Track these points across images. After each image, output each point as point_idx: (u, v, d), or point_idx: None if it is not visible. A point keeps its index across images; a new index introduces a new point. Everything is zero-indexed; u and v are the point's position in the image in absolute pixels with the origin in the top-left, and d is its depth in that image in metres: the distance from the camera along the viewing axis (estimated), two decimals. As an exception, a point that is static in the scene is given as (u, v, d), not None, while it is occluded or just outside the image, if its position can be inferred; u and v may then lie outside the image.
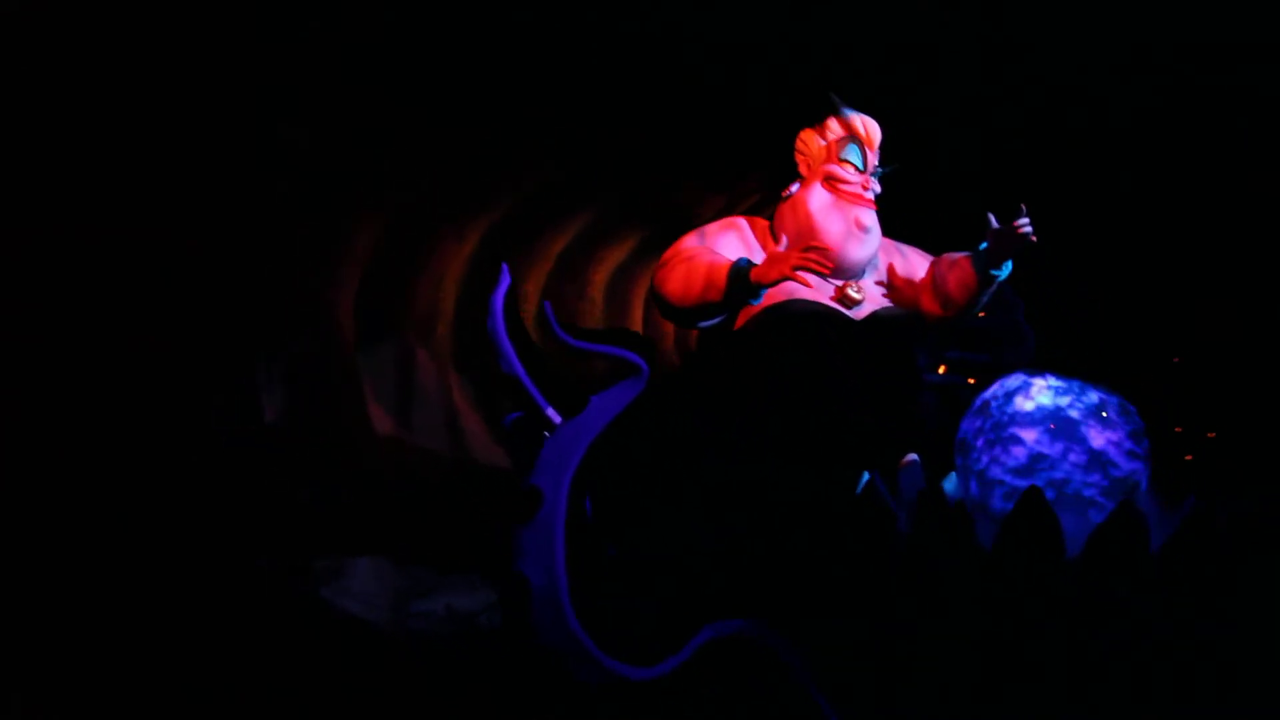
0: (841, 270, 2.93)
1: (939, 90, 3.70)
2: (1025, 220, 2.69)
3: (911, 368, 2.92)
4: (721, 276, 2.78)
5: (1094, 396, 2.45)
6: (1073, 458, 2.38)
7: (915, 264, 3.11)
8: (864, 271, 3.00)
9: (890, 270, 3.06)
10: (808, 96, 3.05)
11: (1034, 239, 2.70)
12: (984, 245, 2.79)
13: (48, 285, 2.81)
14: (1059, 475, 2.36)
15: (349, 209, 3.63)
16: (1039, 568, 2.19)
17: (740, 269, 2.76)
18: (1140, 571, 2.18)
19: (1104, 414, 2.42)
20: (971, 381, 3.02)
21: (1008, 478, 2.40)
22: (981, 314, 2.99)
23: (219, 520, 2.94)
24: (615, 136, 3.97)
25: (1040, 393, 2.48)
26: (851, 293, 2.93)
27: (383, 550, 3.17)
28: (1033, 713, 2.19)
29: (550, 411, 2.58)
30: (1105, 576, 2.18)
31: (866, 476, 2.36)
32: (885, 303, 3.01)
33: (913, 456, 2.61)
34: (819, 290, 2.92)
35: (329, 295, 3.63)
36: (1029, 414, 2.44)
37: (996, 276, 2.82)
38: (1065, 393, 2.46)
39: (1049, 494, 2.29)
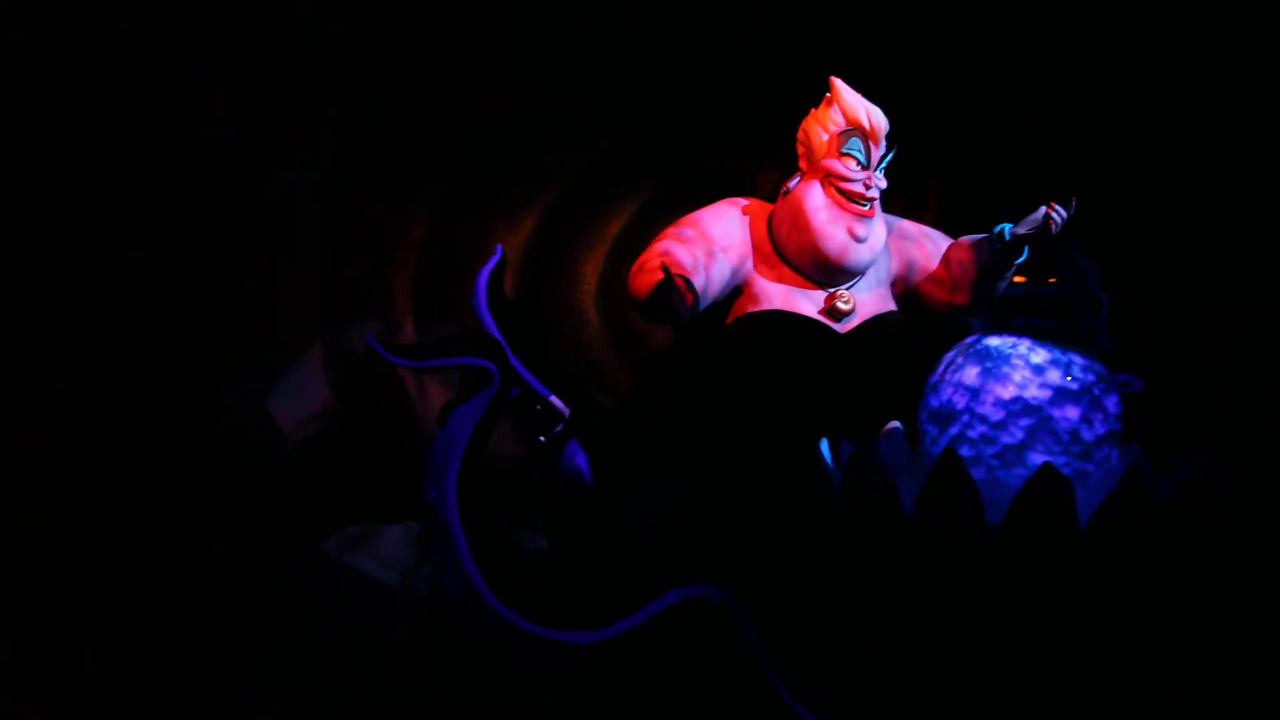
0: (838, 275, 2.83)
1: (961, 75, 3.60)
2: (1061, 210, 2.58)
3: (901, 379, 2.76)
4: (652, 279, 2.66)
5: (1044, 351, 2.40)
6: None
7: (930, 250, 3.00)
8: (862, 275, 2.88)
9: (899, 263, 2.96)
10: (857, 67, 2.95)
11: (1053, 228, 2.60)
12: (1002, 227, 2.68)
13: (99, 282, 2.88)
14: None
15: (405, 196, 3.63)
16: (956, 532, 2.13)
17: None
18: (1062, 536, 2.11)
19: (1070, 370, 2.35)
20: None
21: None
22: (1053, 279, 2.86)
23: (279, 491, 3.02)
24: (669, 113, 3.91)
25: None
26: (839, 304, 2.78)
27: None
28: (956, 677, 2.16)
29: (533, 381, 2.63)
30: (1025, 541, 2.12)
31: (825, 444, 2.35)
32: (883, 308, 2.89)
33: (895, 424, 2.53)
34: (811, 300, 2.83)
35: (388, 281, 3.64)
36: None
37: (1013, 261, 2.72)
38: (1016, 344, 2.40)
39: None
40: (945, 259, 2.88)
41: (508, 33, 3.41)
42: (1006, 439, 2.29)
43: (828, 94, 2.86)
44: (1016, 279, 2.84)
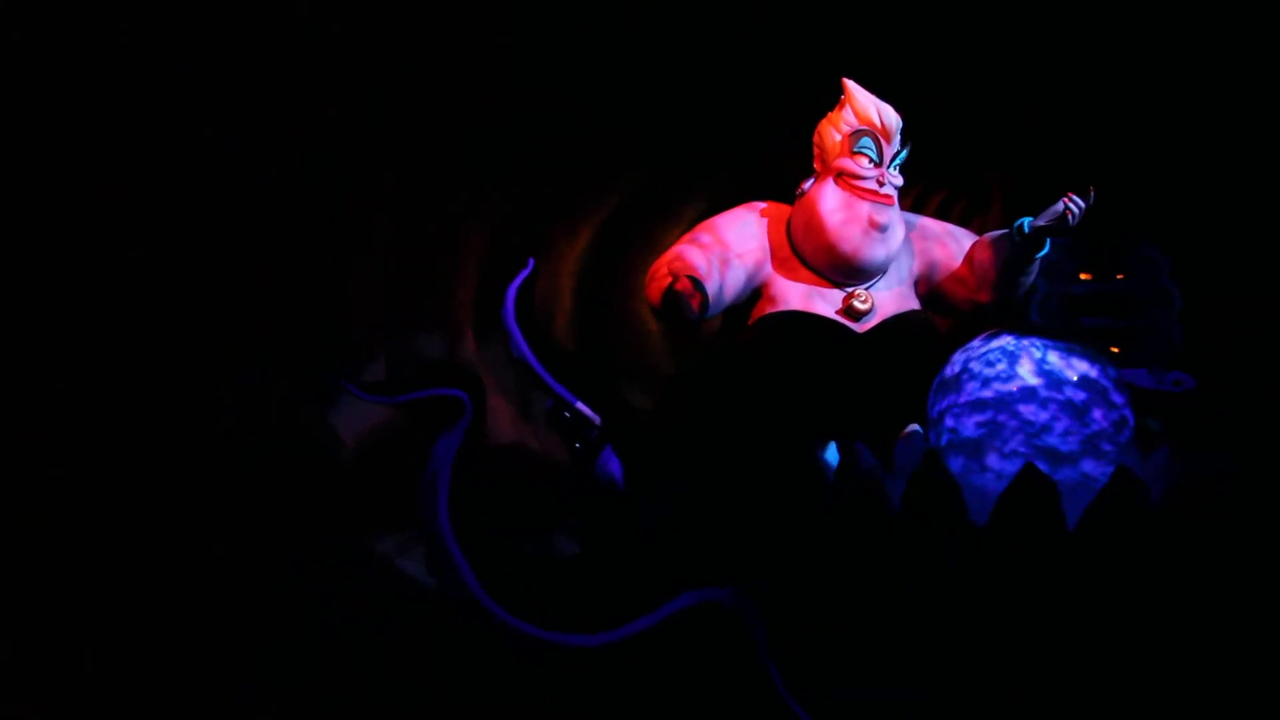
0: (857, 274, 2.83)
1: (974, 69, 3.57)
2: (1079, 201, 2.57)
3: (919, 378, 2.78)
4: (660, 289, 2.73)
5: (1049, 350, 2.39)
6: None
7: (952, 249, 2.99)
8: (884, 273, 2.87)
9: (921, 262, 2.95)
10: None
11: (1071, 220, 2.59)
12: (1021, 221, 2.68)
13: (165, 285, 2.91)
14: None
15: (467, 210, 3.65)
16: (941, 533, 2.15)
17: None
18: (1047, 538, 2.12)
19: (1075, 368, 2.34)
20: (1114, 350, 2.80)
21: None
22: (1121, 276, 2.83)
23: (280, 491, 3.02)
24: (723, 117, 3.90)
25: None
26: (857, 304, 2.79)
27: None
28: (944, 677, 2.18)
29: (559, 389, 2.66)
30: (1009, 542, 2.13)
31: (832, 447, 2.37)
32: (904, 306, 2.89)
33: (914, 427, 2.54)
34: (828, 300, 2.83)
35: (451, 292, 3.66)
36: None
37: (1034, 255, 2.72)
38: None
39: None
40: (968, 257, 2.89)
41: (560, 50, 3.42)
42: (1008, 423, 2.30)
43: (842, 95, 2.89)
44: (1082, 275, 2.84)
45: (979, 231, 3.33)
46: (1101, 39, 3.32)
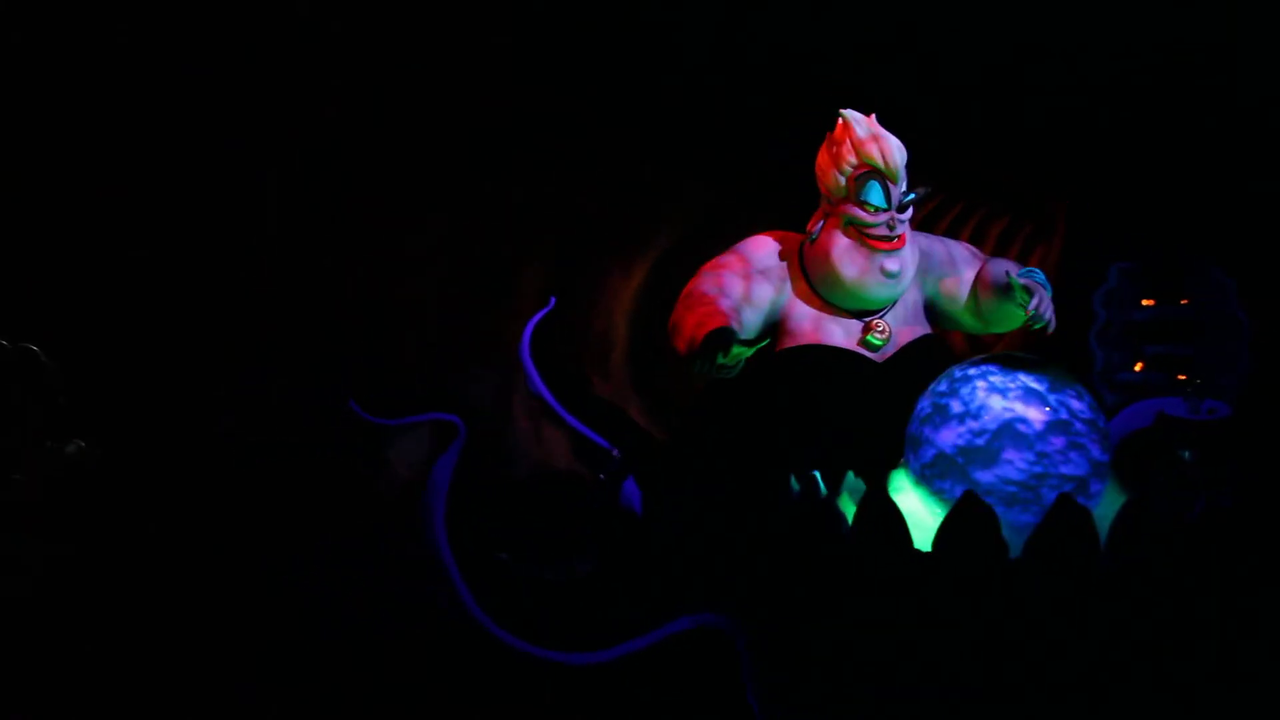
0: (871, 310, 2.83)
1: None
2: (1039, 315, 2.56)
3: None
4: (701, 335, 2.59)
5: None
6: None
7: (956, 279, 2.97)
8: (895, 303, 2.87)
9: (930, 289, 2.94)
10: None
11: (1050, 331, 2.59)
12: (1011, 281, 2.66)
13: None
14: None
15: (522, 254, 3.65)
16: (887, 561, 2.18)
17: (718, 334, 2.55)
18: (993, 569, 2.13)
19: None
20: (1181, 378, 2.70)
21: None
22: (1185, 300, 2.79)
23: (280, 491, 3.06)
24: (772, 151, 3.89)
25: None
26: (875, 336, 2.79)
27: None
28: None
29: (574, 422, 2.80)
30: (950, 572, 2.14)
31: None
32: (918, 333, 2.88)
33: None
34: (845, 329, 2.82)
35: (508, 333, 3.67)
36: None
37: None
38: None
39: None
40: (973, 290, 2.87)
41: (611, 92, 3.42)
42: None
43: (839, 124, 2.81)
44: (1145, 301, 2.76)
45: (1043, 260, 3.31)
46: (1078, 37, 3.31)
